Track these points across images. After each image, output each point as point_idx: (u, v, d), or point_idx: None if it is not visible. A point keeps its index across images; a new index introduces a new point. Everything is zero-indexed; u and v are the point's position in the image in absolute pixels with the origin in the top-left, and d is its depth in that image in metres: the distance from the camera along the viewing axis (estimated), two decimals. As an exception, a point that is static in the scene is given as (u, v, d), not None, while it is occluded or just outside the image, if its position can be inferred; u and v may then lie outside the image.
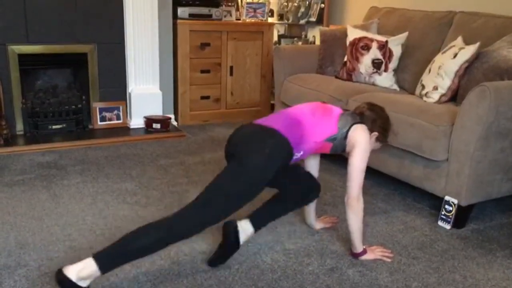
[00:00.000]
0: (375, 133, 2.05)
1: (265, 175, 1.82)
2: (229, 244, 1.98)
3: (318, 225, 2.34)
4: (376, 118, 2.05)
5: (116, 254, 1.72)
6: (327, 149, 1.98)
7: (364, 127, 1.99)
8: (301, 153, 1.93)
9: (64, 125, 3.66)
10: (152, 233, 1.74)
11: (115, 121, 3.90)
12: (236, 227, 1.99)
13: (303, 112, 1.96)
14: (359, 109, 2.08)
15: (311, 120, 1.93)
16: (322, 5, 4.46)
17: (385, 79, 3.28)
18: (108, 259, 1.71)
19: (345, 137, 1.96)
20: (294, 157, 1.91)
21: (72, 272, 1.67)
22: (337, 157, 2.66)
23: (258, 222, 2.05)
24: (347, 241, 2.18)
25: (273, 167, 1.83)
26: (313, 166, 2.22)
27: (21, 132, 3.59)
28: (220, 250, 2.00)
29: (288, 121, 1.92)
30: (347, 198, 1.99)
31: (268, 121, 1.93)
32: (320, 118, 1.95)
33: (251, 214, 2.06)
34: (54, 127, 3.64)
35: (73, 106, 3.69)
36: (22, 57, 3.51)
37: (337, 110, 2.01)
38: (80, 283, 1.67)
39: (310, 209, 2.30)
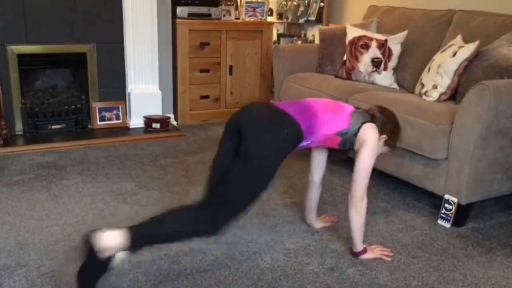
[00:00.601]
0: (384, 136, 2.04)
1: (275, 162, 1.82)
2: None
3: (318, 224, 2.34)
4: (386, 122, 2.05)
5: (149, 235, 1.74)
6: (335, 143, 1.97)
7: (374, 127, 1.99)
8: (309, 142, 1.92)
9: (64, 125, 3.66)
10: (182, 223, 1.75)
11: (115, 121, 3.90)
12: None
13: (318, 105, 1.96)
14: (371, 111, 2.07)
15: (325, 112, 1.93)
16: (322, 4, 4.45)
17: (385, 78, 3.27)
18: (140, 236, 1.71)
19: (356, 134, 1.95)
20: (301, 144, 1.90)
21: (99, 239, 1.65)
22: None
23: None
24: (347, 240, 2.18)
25: (283, 154, 1.84)
26: (318, 165, 2.21)
27: (21, 132, 3.59)
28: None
29: (303, 108, 1.91)
30: (351, 197, 1.99)
31: (284, 105, 1.92)
32: (333, 112, 1.95)
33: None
34: (53, 127, 3.64)
35: (73, 106, 3.69)
36: (22, 57, 3.51)
37: (349, 107, 2.01)
38: (102, 254, 1.67)
39: (311, 208, 2.30)
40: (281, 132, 1.80)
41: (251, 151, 1.78)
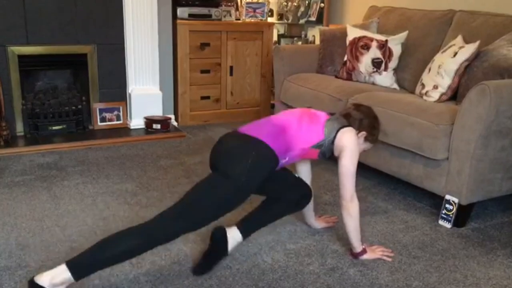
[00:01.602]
0: (363, 133, 2.04)
1: (249, 187, 1.82)
2: (218, 251, 1.97)
3: (318, 224, 2.34)
4: (363, 118, 2.05)
5: (89, 262, 1.69)
6: (314, 155, 1.98)
7: (350, 129, 1.98)
8: (286, 159, 1.92)
9: (64, 126, 3.66)
10: (129, 240, 1.71)
11: (115, 122, 3.90)
12: (225, 234, 1.98)
13: (288, 120, 1.95)
14: (345, 111, 2.08)
15: (297, 127, 1.92)
16: (322, 5, 4.46)
17: (385, 79, 3.27)
18: (81, 266, 1.67)
19: (332, 142, 1.95)
20: (280, 164, 1.91)
21: (45, 279, 1.64)
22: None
23: (247, 229, 2.03)
24: (347, 240, 2.18)
25: (257, 179, 1.83)
26: (305, 172, 2.22)
27: (21, 133, 3.59)
28: (207, 257, 1.97)
29: (273, 129, 1.90)
30: (341, 200, 1.99)
31: (252, 129, 1.91)
32: (307, 126, 1.94)
33: (240, 221, 2.04)
34: (54, 128, 3.64)
35: (73, 107, 3.69)
36: (22, 58, 3.51)
37: (323, 116, 1.99)
38: None
39: (308, 210, 2.30)
40: (249, 156, 1.80)
41: (225, 170, 1.81)
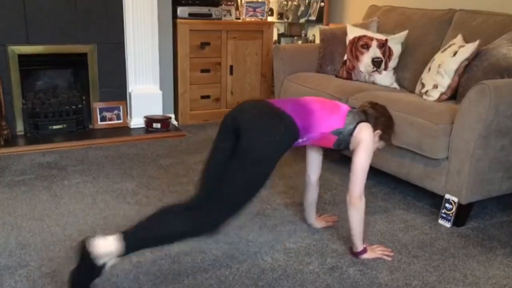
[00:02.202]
0: (378, 131, 2.05)
1: (274, 160, 1.82)
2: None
3: (318, 224, 2.34)
4: (378, 116, 2.06)
5: (144, 238, 1.74)
6: (331, 142, 1.98)
7: (369, 126, 1.99)
8: (305, 139, 1.92)
9: (65, 125, 3.67)
10: (178, 223, 1.76)
11: (116, 121, 3.90)
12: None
13: (315, 102, 1.97)
14: (361, 107, 2.09)
15: (321, 111, 1.94)
16: (322, 4, 4.46)
17: (385, 78, 3.27)
18: (135, 242, 1.72)
19: (351, 133, 1.96)
20: (297, 142, 1.91)
21: (97, 247, 1.66)
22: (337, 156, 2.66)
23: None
24: (347, 240, 2.18)
25: (281, 152, 1.85)
26: (314, 166, 2.22)
27: (22, 133, 3.59)
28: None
29: (298, 107, 1.92)
30: (349, 197, 1.99)
31: (280, 103, 1.92)
32: (330, 111, 1.96)
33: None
34: (54, 127, 3.64)
35: (73, 106, 3.69)
36: (22, 58, 3.51)
37: (345, 107, 2.02)
38: (97, 261, 1.67)
39: (310, 209, 2.30)
40: (278, 130, 1.81)
41: (249, 149, 1.78)
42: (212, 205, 1.79)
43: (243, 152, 1.78)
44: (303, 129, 1.88)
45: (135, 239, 1.73)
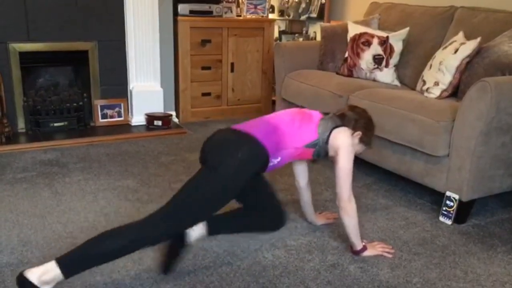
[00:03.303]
0: (359, 133, 2.03)
1: (237, 182, 1.81)
2: (175, 242, 1.91)
3: (319, 221, 2.35)
4: (358, 118, 2.04)
5: (79, 259, 1.68)
6: (309, 155, 1.97)
7: (345, 129, 1.98)
8: (279, 159, 1.90)
9: (66, 123, 3.67)
10: (117, 239, 1.70)
11: (117, 119, 3.91)
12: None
13: (282, 119, 1.94)
14: (340, 111, 2.07)
15: (290, 126, 1.92)
16: (323, 1, 4.45)
17: (386, 75, 3.27)
18: (71, 264, 1.66)
19: (327, 141, 1.95)
20: (271, 164, 1.89)
21: (34, 275, 1.63)
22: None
23: (213, 228, 1.99)
24: (348, 237, 2.18)
25: (246, 174, 1.82)
26: (301, 172, 2.23)
27: (23, 130, 3.60)
28: (167, 252, 1.91)
29: (265, 127, 1.90)
30: (339, 201, 1.99)
31: (245, 127, 1.91)
32: (300, 125, 1.93)
33: (210, 218, 1.97)
34: (55, 124, 3.65)
35: (75, 104, 3.69)
36: (23, 55, 3.51)
37: (316, 116, 1.99)
38: (43, 287, 1.64)
39: (308, 209, 2.32)
40: (239, 150, 1.80)
41: (213, 163, 1.80)
42: (158, 217, 1.76)
43: (205, 169, 1.82)
44: (272, 148, 1.85)
45: (71, 260, 1.67)
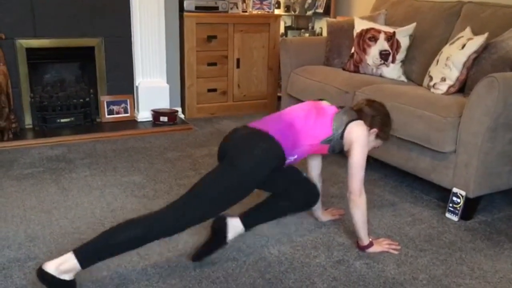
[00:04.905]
0: (375, 130, 2.02)
1: (254, 179, 1.82)
2: (217, 240, 1.97)
3: (325, 217, 2.34)
4: (375, 114, 2.03)
5: (96, 250, 1.71)
6: (324, 150, 1.98)
7: (360, 123, 1.97)
8: (295, 156, 1.92)
9: (72, 119, 3.69)
10: (133, 230, 1.72)
11: (123, 114, 3.92)
12: (225, 223, 1.97)
13: (297, 115, 1.95)
14: (358, 106, 2.06)
15: (305, 124, 1.92)
16: (329, -4, 4.43)
17: (393, 71, 3.26)
18: (88, 254, 1.70)
19: (341, 137, 1.94)
20: (287, 161, 1.91)
21: (52, 267, 1.66)
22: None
23: (250, 221, 2.02)
24: (354, 233, 2.18)
25: (263, 171, 1.83)
26: (315, 166, 2.23)
27: (30, 126, 3.61)
28: (206, 244, 1.98)
29: (282, 125, 1.91)
30: (349, 194, 1.99)
31: (262, 124, 1.92)
32: (314, 121, 1.93)
33: (243, 212, 2.03)
34: (62, 120, 3.66)
35: (81, 100, 3.71)
36: (30, 51, 3.53)
37: (331, 110, 1.99)
38: (63, 277, 1.66)
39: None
40: (256, 148, 1.82)
41: (231, 159, 1.82)
42: (176, 208, 1.78)
43: (223, 164, 1.84)
44: (288, 146, 1.87)
45: (87, 250, 1.70)
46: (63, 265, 1.66)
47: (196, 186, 1.83)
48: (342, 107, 2.04)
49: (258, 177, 1.83)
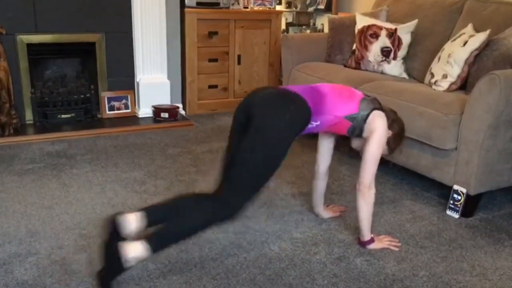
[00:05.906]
0: (390, 132, 2.03)
1: (286, 138, 1.82)
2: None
3: (325, 214, 2.34)
4: (395, 119, 2.06)
5: (170, 238, 1.76)
6: (345, 127, 1.97)
7: (384, 116, 1.98)
8: (318, 123, 1.91)
9: (73, 115, 3.68)
10: (208, 215, 1.77)
11: (124, 110, 3.91)
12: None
13: (328, 87, 1.97)
14: (384, 107, 2.06)
15: (334, 95, 1.94)
16: (331, -7, 4.42)
17: (394, 68, 3.25)
18: (159, 244, 1.73)
19: (365, 119, 1.95)
20: (310, 126, 1.90)
21: (129, 252, 1.66)
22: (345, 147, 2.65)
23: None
24: (354, 230, 2.19)
25: (294, 132, 1.85)
26: (325, 153, 2.21)
27: (31, 122, 3.61)
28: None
29: (312, 90, 1.93)
30: (359, 185, 1.99)
31: (291, 87, 1.95)
32: (344, 96, 1.95)
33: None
34: (63, 116, 3.66)
35: (82, 96, 3.70)
36: (31, 47, 3.52)
37: (359, 94, 2.01)
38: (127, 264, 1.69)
39: (318, 199, 2.31)
40: (288, 109, 1.81)
41: (260, 130, 1.79)
42: (229, 190, 1.81)
43: (254, 132, 1.79)
44: (316, 110, 1.87)
45: (162, 241, 1.74)
46: (137, 254, 1.67)
47: (242, 160, 1.80)
48: (368, 95, 2.05)
49: (288, 137, 1.83)
